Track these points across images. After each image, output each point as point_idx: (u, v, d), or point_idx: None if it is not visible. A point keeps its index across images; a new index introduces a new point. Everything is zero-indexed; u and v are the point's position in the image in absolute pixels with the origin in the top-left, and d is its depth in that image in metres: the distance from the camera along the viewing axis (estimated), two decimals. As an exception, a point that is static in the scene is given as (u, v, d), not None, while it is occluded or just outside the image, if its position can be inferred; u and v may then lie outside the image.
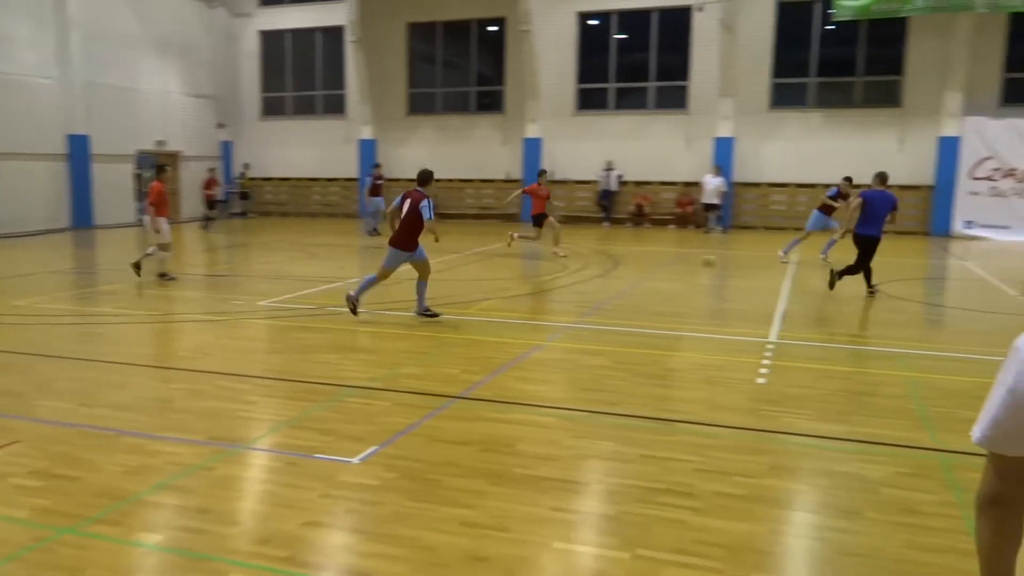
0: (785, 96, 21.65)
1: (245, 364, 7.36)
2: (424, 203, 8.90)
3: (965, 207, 19.85)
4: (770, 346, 8.02)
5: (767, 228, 21.37)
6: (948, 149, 19.87)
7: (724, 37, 21.25)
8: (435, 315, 9.15)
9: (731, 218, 21.81)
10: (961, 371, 7.26)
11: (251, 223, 24.49)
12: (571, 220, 22.46)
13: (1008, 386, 1.60)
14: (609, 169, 22.62)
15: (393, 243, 9.06)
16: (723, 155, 21.52)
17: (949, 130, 19.84)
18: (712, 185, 20.92)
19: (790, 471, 4.84)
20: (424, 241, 9.26)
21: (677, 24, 22.27)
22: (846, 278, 11.15)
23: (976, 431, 1.63)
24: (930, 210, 20.36)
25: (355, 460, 4.83)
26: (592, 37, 23.28)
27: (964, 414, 5.91)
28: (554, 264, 14.51)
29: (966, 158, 19.74)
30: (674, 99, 22.68)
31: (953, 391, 6.60)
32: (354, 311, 9.05)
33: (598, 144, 22.92)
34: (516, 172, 23.78)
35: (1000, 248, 18.18)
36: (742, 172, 21.71)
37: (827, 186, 21.06)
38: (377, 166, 20.94)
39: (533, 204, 15.61)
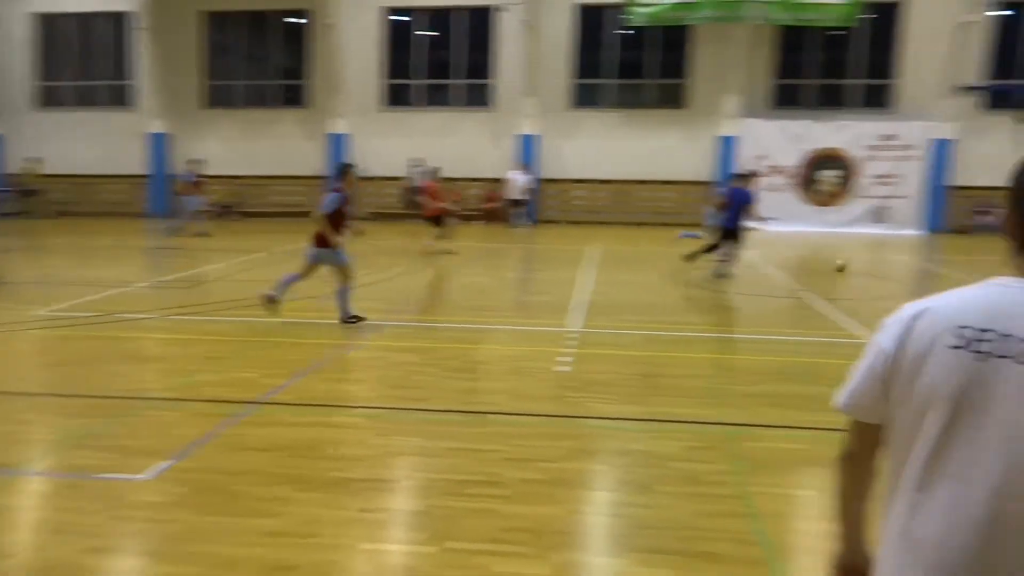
0: (585, 96, 22.64)
1: (19, 380, 6.69)
2: (328, 196, 8.62)
3: (744, 200, 21.70)
4: (573, 335, 8.37)
5: (570, 223, 22.25)
6: (727, 148, 21.60)
7: (527, 37, 21.88)
8: (360, 319, 8.72)
9: (536, 213, 22.51)
10: (743, 351, 7.95)
11: (34, 224, 22.25)
12: (379, 217, 22.28)
13: (868, 361, 1.74)
14: (417, 166, 22.63)
15: (313, 241, 8.67)
16: (527, 152, 22.16)
17: (727, 130, 21.58)
18: (518, 182, 21.48)
19: (590, 453, 5.08)
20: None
21: (481, 23, 22.66)
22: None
23: (840, 397, 1.80)
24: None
25: (144, 477, 4.53)
26: (398, 33, 23.18)
27: (745, 389, 6.48)
28: (363, 261, 14.33)
29: (742, 156, 21.56)
30: (480, 97, 23.08)
31: (736, 369, 7.21)
32: (273, 308, 8.64)
33: (406, 141, 22.87)
34: (321, 168, 23.23)
35: (772, 238, 20.01)
36: (546, 168, 22.46)
37: (626, 182, 22.44)
38: (195, 161, 19.70)
39: (428, 203, 15.27)
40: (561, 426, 5.55)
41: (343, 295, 8.65)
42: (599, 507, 4.40)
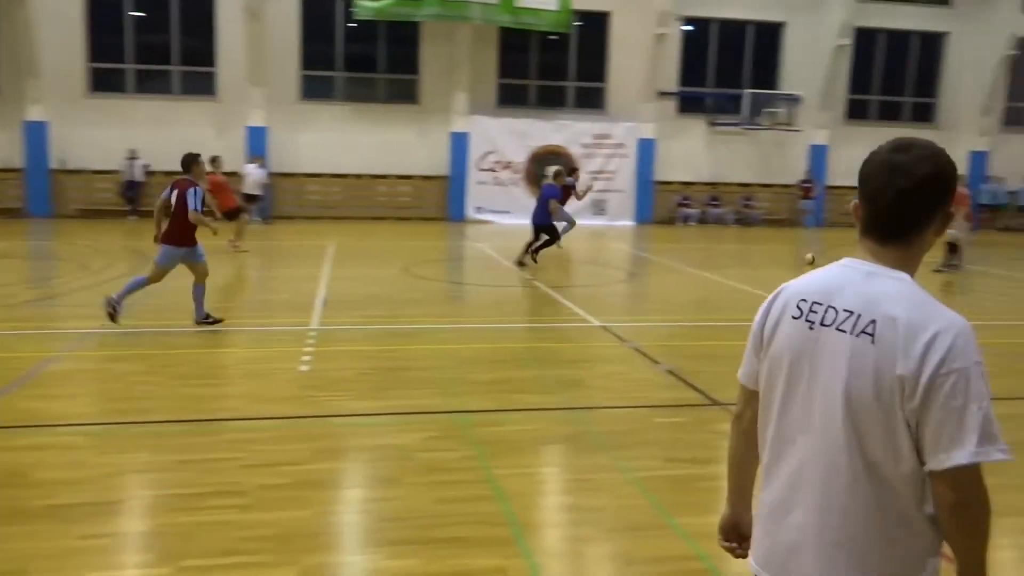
0: (315, 88, 22.13)
1: None
2: (190, 191, 7.99)
3: (475, 195, 22.51)
4: (313, 333, 8.20)
5: (305, 218, 21.69)
6: (459, 144, 22.26)
7: (250, 25, 20.90)
8: (216, 321, 8.20)
9: (270, 209, 21.67)
10: (480, 340, 8.26)
11: None
12: (91, 214, 20.23)
13: (750, 337, 1.96)
14: (133, 158, 20.79)
15: (165, 239, 8.09)
16: (257, 145, 21.22)
17: (459, 127, 22.23)
18: (253, 176, 20.49)
19: (335, 452, 5.03)
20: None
21: (200, 6, 21.27)
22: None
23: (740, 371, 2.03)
24: (447, 198, 22.61)
25: None
26: (104, 12, 21.05)
27: (483, 376, 6.76)
28: (71, 264, 12.94)
29: (474, 152, 22.35)
30: (202, 85, 21.67)
31: (471, 358, 7.48)
32: (113, 317, 7.91)
33: (119, 131, 20.88)
34: (16, 160, 20.56)
35: (504, 230, 20.98)
36: (278, 162, 21.68)
37: (359, 176, 22.29)
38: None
39: (220, 198, 13.83)
40: (304, 427, 5.43)
41: (199, 295, 8.19)
42: (346, 505, 4.39)
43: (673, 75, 23.34)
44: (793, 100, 23.37)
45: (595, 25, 22.82)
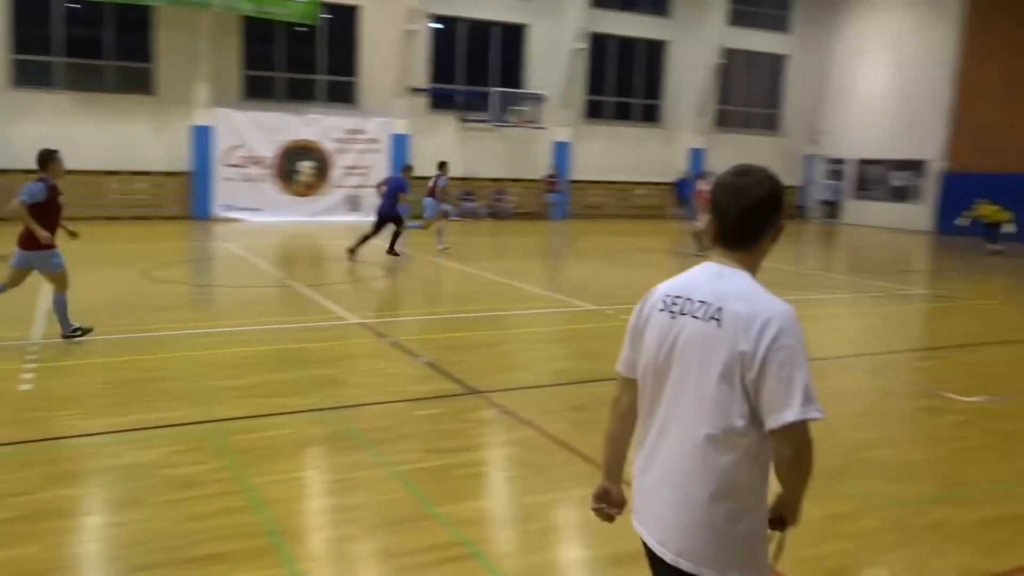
0: (30, 75, 19.77)
1: None
2: (33, 186, 7.21)
3: (222, 191, 21.32)
4: (34, 348, 7.37)
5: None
6: (202, 138, 20.96)
7: (-58, -1, 18.23)
8: (84, 331, 7.59)
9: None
10: (228, 344, 7.86)
11: None
12: None
13: (627, 330, 2.28)
14: None
15: (20, 242, 7.33)
16: (-43, 137, 18.59)
17: (201, 120, 20.93)
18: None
19: (66, 477, 4.57)
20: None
21: None
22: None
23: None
24: (190, 195, 21.23)
25: None
26: None
27: (233, 383, 6.45)
28: None
29: (219, 146, 21.15)
30: None
31: (221, 364, 7.11)
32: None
33: None
34: None
35: (255, 228, 20.11)
36: (-15, 157, 19.11)
37: (88, 173, 20.22)
38: None
39: None
40: (29, 453, 4.88)
41: (61, 306, 7.48)
42: (84, 535, 4.01)
43: (424, 72, 23.63)
44: (538, 99, 24.60)
45: (344, 19, 22.50)
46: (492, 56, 24.94)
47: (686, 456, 2.06)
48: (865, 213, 27.88)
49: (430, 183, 16.95)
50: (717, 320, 2.03)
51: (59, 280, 7.52)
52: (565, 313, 10.12)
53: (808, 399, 1.99)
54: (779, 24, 29.02)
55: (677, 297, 2.15)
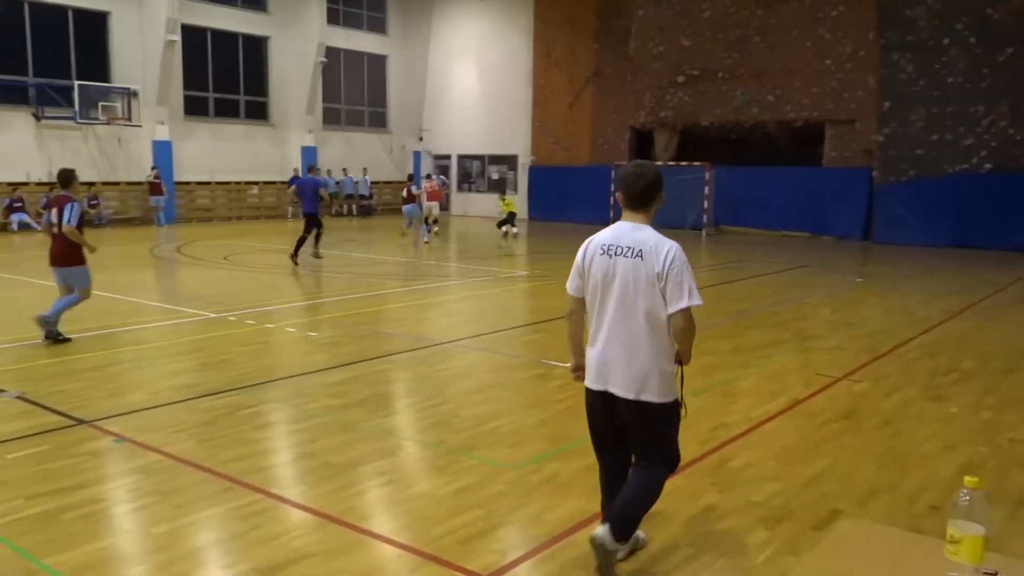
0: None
1: None
2: (69, 206, 7.92)
3: None
4: None
5: None
6: None
7: None
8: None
9: None
10: None
11: None
12: None
13: (574, 266, 3.65)
14: None
15: (65, 261, 8.11)
16: None
17: None
18: None
19: None
20: None
21: None
22: None
23: (567, 285, 3.70)
24: None
25: None
26: None
27: None
28: None
29: None
30: None
31: None
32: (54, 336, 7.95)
33: None
34: None
35: None
36: None
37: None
38: None
39: None
40: None
41: (66, 306, 8.10)
42: None
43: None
44: (129, 94, 22.49)
45: None
46: (71, 45, 22.22)
47: (634, 335, 3.50)
48: (470, 204, 30.20)
49: (404, 192, 19.56)
50: (640, 257, 3.46)
51: (87, 292, 8.36)
52: (184, 324, 9.48)
53: (691, 294, 3.41)
54: (377, 26, 30.07)
55: (610, 245, 3.54)
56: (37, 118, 21.35)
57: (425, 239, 19.36)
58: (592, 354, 3.64)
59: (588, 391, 3.69)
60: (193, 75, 24.74)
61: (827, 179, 22.00)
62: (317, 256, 15.35)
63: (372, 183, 29.42)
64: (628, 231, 3.52)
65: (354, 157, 29.16)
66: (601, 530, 3.48)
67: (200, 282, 13.46)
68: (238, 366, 7.49)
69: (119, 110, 22.26)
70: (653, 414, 3.53)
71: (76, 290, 8.30)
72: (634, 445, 3.69)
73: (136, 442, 5.33)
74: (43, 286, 12.28)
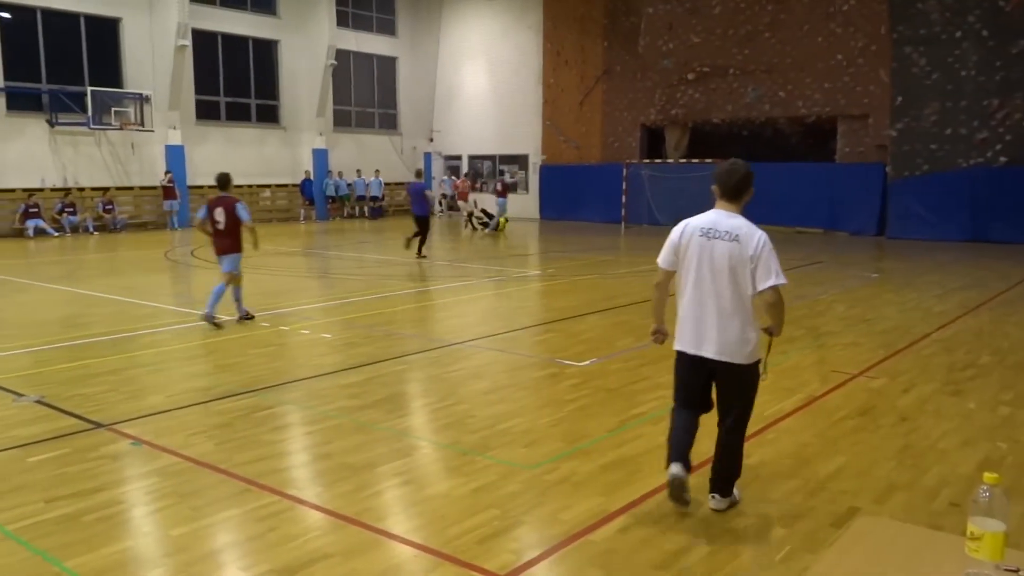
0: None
1: None
2: (239, 205, 9.34)
3: None
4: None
5: None
6: None
7: None
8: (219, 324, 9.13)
9: None
10: None
11: None
12: None
13: (670, 243, 4.25)
14: None
15: (229, 249, 9.37)
16: None
17: None
18: None
19: None
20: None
21: None
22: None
23: (659, 259, 4.29)
24: None
25: None
26: None
27: None
28: None
29: None
30: None
31: None
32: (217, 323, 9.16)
33: None
34: None
35: None
36: None
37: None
38: None
39: None
40: None
41: (221, 294, 9.30)
42: None
43: (-4, 68, 20.47)
44: (142, 99, 22.64)
45: None
46: (83, 52, 22.38)
47: (726, 307, 4.08)
48: (482, 204, 30.20)
49: (498, 186, 23.43)
50: (736, 241, 4.04)
51: (232, 275, 9.48)
52: (200, 327, 9.54)
53: (778, 274, 3.99)
54: (387, 28, 30.13)
55: (709, 229, 4.13)
56: (51, 124, 21.52)
57: (488, 230, 22.63)
58: (688, 322, 4.22)
59: (681, 354, 4.29)
60: (204, 79, 24.87)
61: (840, 175, 21.88)
62: (420, 256, 16.00)
63: (384, 184, 29.46)
64: (724, 218, 4.13)
65: (365, 159, 29.24)
66: (713, 502, 4.31)
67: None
68: (253, 368, 7.53)
69: (132, 115, 22.39)
70: (741, 374, 4.16)
71: (224, 271, 9.45)
72: (719, 401, 4.28)
73: (154, 445, 5.37)
74: (60, 291, 12.41)
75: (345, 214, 28.38)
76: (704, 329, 4.14)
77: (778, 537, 4.02)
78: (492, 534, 4.05)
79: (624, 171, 25.24)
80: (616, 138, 26.65)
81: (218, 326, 9.26)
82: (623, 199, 25.26)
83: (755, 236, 4.03)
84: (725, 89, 23.88)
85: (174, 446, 5.34)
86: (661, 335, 4.46)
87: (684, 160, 24.73)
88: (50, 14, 21.55)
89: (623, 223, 25.19)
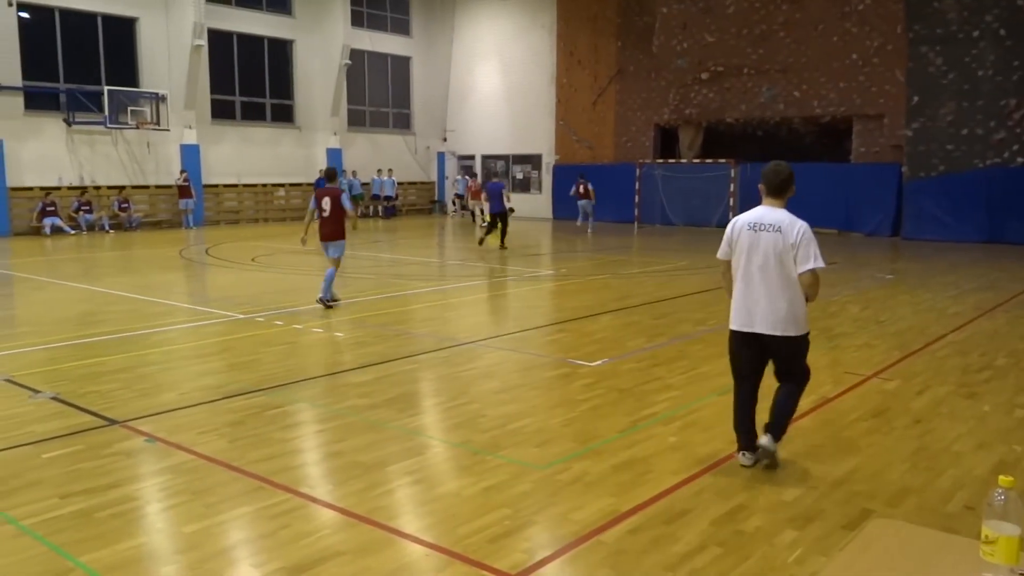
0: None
1: None
2: (344, 196, 10.35)
3: None
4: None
5: None
6: None
7: None
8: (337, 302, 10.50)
9: None
10: None
11: None
12: None
13: (725, 239, 4.90)
14: None
15: (335, 236, 10.40)
16: None
17: None
18: None
19: None
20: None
21: None
22: None
23: (719, 254, 4.96)
24: None
25: None
26: None
27: None
28: None
29: None
30: None
31: None
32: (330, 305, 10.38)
33: None
34: None
35: None
36: None
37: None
38: None
39: None
40: None
41: (332, 278, 10.40)
42: None
43: (16, 67, 20.63)
44: (158, 99, 22.77)
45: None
46: (100, 52, 22.54)
47: (774, 288, 4.69)
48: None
49: (580, 188, 22.65)
50: (779, 232, 4.66)
51: (340, 260, 10.58)
52: (213, 325, 9.59)
53: (816, 259, 4.59)
54: (401, 27, 30.18)
55: (756, 223, 4.74)
56: (68, 123, 21.68)
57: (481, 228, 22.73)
58: (739, 303, 4.84)
59: (734, 332, 4.88)
60: (220, 79, 24.99)
61: (855, 175, 21.75)
62: (503, 247, 17.66)
63: (397, 184, 29.51)
64: (769, 213, 4.75)
65: (379, 158, 29.31)
66: (764, 439, 4.85)
67: (228, 283, 13.61)
68: (266, 366, 7.57)
69: (148, 115, 22.53)
70: (792, 344, 4.78)
71: (333, 257, 10.45)
72: (776, 369, 4.94)
73: (167, 442, 5.41)
74: (75, 289, 12.51)
75: (359, 213, 28.42)
76: (756, 309, 4.75)
77: (790, 539, 4.00)
78: (503, 533, 4.05)
79: (637, 171, 25.18)
80: (629, 138, 26.59)
81: (334, 305, 10.44)
82: (636, 199, 25.21)
83: (796, 226, 4.65)
84: (739, 89, 23.78)
85: (187, 443, 5.37)
86: None
87: (698, 160, 24.64)
88: (68, 14, 21.71)
89: (636, 223, 25.14)
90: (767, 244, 4.68)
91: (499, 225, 17.85)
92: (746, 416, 4.93)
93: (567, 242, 20.84)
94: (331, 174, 11.16)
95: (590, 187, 22.60)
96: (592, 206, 22.72)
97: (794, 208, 4.85)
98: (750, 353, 4.87)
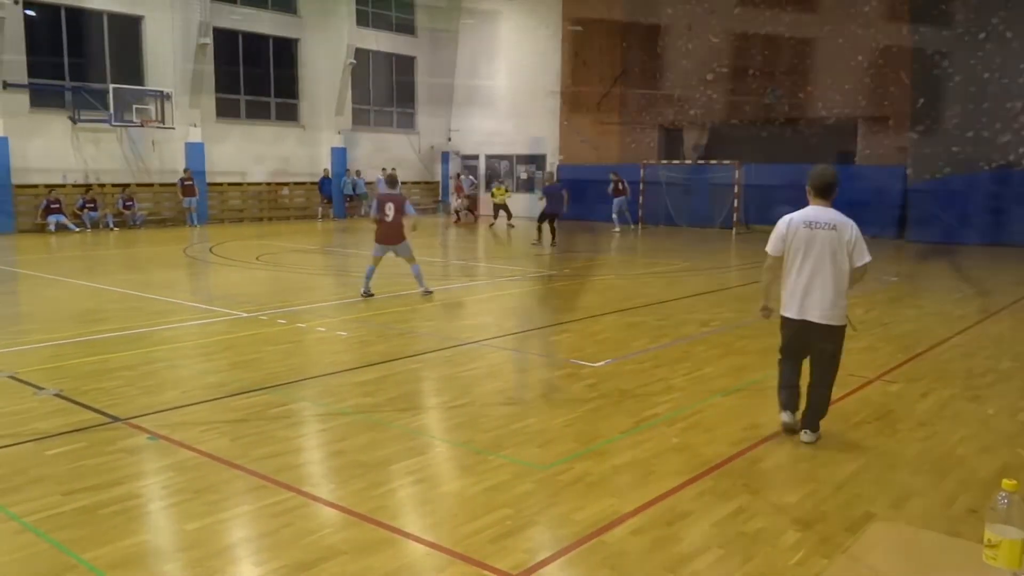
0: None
1: None
2: (408, 204, 11.01)
3: None
4: None
5: None
6: None
7: None
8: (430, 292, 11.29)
9: None
10: None
11: None
12: None
13: (778, 234, 5.38)
14: None
15: (397, 240, 11.04)
16: None
17: None
18: None
19: None
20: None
21: None
22: None
23: (768, 248, 5.44)
24: None
25: None
26: None
27: None
28: None
29: None
30: None
31: None
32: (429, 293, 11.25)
33: None
34: None
35: None
36: None
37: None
38: None
39: None
40: None
41: (419, 272, 11.26)
42: None
43: (22, 64, 20.68)
44: (163, 97, 22.81)
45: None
46: (106, 50, 22.57)
47: (827, 281, 5.19)
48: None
49: (620, 186, 23.57)
50: (834, 229, 5.19)
51: (413, 257, 11.20)
52: (216, 323, 9.60)
53: (867, 253, 5.19)
54: (406, 27, 30.17)
55: (812, 221, 5.23)
56: (73, 121, 21.73)
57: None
58: (795, 295, 5.31)
59: (788, 319, 5.39)
60: (225, 77, 25.01)
61: (860, 177, 21.66)
62: (553, 244, 18.67)
63: (401, 183, 29.50)
64: (821, 212, 5.27)
65: (383, 158, 29.31)
66: (805, 435, 5.36)
67: (232, 282, 13.63)
68: (269, 365, 7.57)
69: (152, 113, 22.57)
70: (836, 332, 5.29)
71: (407, 258, 11.14)
72: (815, 354, 5.40)
73: (170, 439, 5.41)
74: (79, 286, 12.53)
75: (363, 212, 28.44)
76: (809, 300, 5.25)
77: (792, 541, 3.99)
78: (505, 533, 4.05)
79: (641, 172, 25.15)
80: (634, 139, 26.56)
81: (431, 292, 11.30)
82: (640, 200, 25.19)
83: (848, 225, 5.22)
84: (744, 90, 23.75)
85: (190, 441, 5.38)
86: (768, 311, 5.61)
87: (702, 161, 24.61)
88: (73, 12, 21.74)
89: (640, 224, 25.13)
90: (823, 241, 5.20)
91: (551, 224, 19.03)
92: (791, 382, 5.54)
93: (571, 242, 20.82)
94: (392, 179, 11.64)
95: (626, 184, 23.69)
96: (627, 202, 23.71)
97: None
98: (801, 338, 5.39)
